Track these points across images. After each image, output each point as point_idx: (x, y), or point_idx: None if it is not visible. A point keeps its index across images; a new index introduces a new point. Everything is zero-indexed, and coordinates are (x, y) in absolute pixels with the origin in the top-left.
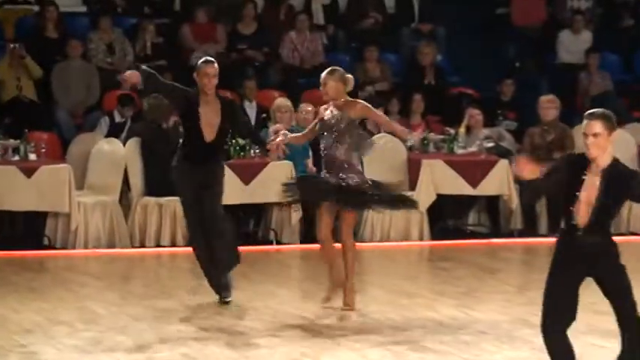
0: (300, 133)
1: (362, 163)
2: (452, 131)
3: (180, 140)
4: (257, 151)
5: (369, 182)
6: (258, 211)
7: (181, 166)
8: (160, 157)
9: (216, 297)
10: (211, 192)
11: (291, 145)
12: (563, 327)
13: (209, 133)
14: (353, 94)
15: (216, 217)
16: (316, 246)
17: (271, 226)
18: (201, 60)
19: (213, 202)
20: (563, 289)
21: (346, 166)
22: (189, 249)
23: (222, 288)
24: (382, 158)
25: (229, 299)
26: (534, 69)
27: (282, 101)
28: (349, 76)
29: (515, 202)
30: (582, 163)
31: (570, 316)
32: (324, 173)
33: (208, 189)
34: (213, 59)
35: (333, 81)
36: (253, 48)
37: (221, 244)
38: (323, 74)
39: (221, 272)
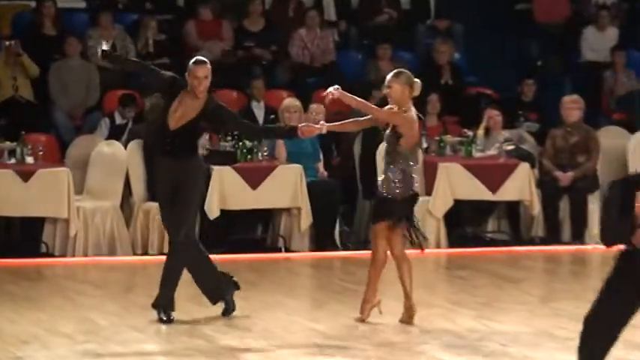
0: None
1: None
2: (470, 133)
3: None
4: (266, 153)
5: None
6: (266, 217)
7: (157, 160)
8: None
9: (221, 308)
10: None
11: (301, 147)
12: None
13: (173, 122)
14: (366, 94)
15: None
16: (327, 254)
17: (280, 233)
18: (192, 60)
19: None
20: (621, 308)
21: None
22: None
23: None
24: None
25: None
26: (557, 68)
27: (291, 101)
28: (417, 80)
29: (536, 208)
30: None
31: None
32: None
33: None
34: (204, 59)
35: (398, 84)
36: (261, 46)
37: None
38: (388, 76)
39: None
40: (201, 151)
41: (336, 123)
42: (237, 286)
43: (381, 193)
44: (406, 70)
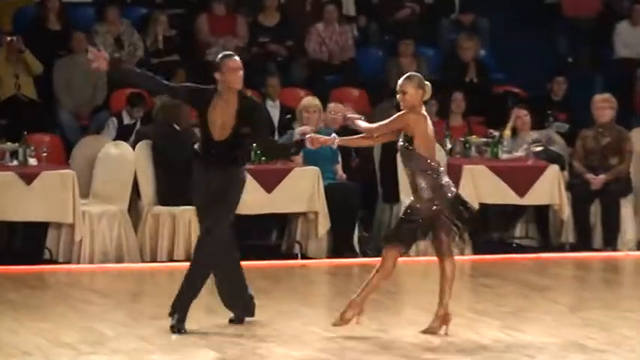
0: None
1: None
2: (496, 134)
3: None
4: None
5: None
6: (282, 222)
7: (199, 170)
8: (172, 163)
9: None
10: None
11: (318, 149)
12: None
13: (217, 133)
14: (388, 92)
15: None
16: (345, 260)
17: (296, 239)
18: (221, 55)
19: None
20: None
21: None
22: None
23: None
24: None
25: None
26: (588, 65)
27: (310, 100)
28: (428, 83)
29: (566, 213)
30: None
31: None
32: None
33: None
34: (232, 53)
35: (413, 88)
36: (276, 42)
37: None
38: (400, 81)
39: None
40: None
41: (351, 137)
42: (250, 313)
43: (413, 206)
44: (417, 73)
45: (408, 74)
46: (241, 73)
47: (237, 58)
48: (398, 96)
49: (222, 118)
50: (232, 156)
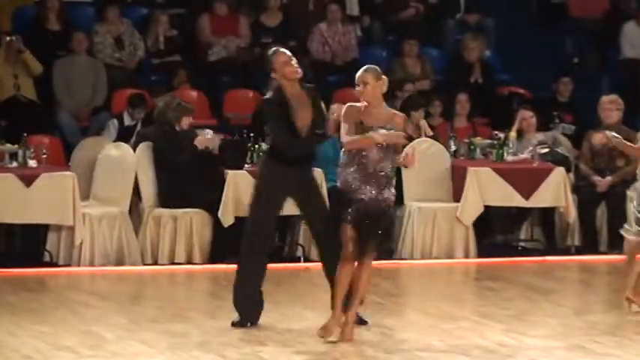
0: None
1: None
2: (501, 135)
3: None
4: None
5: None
6: (284, 225)
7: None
8: (173, 164)
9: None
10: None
11: (322, 151)
12: None
13: (305, 130)
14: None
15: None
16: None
17: (299, 241)
18: (270, 52)
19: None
20: None
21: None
22: (207, 267)
23: None
24: (423, 165)
25: None
26: (595, 65)
27: None
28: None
29: (572, 215)
30: None
31: None
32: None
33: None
34: (278, 47)
35: (372, 79)
36: (279, 42)
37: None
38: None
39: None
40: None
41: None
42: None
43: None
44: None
45: (366, 66)
46: (294, 61)
47: (284, 50)
48: (358, 88)
49: (301, 114)
50: (313, 151)
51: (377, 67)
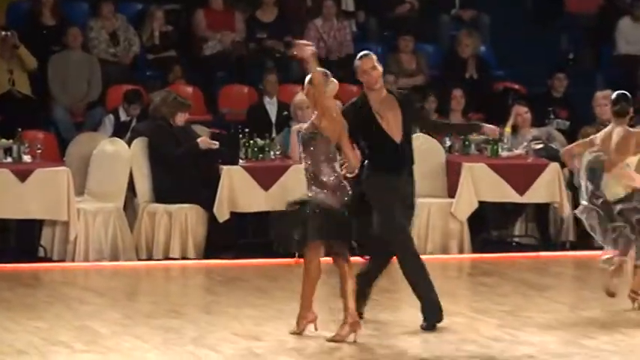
0: None
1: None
2: None
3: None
4: (278, 152)
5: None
6: None
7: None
8: (168, 160)
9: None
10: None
11: None
12: None
13: (397, 134)
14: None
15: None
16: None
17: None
18: (358, 56)
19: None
20: None
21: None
22: (202, 262)
23: None
24: (418, 161)
25: None
26: (589, 61)
27: (302, 97)
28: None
29: (567, 211)
30: None
31: None
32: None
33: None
34: (367, 52)
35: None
36: (274, 37)
37: None
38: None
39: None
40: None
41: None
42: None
43: None
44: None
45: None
46: (376, 72)
47: (370, 56)
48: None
49: (389, 118)
50: (412, 153)
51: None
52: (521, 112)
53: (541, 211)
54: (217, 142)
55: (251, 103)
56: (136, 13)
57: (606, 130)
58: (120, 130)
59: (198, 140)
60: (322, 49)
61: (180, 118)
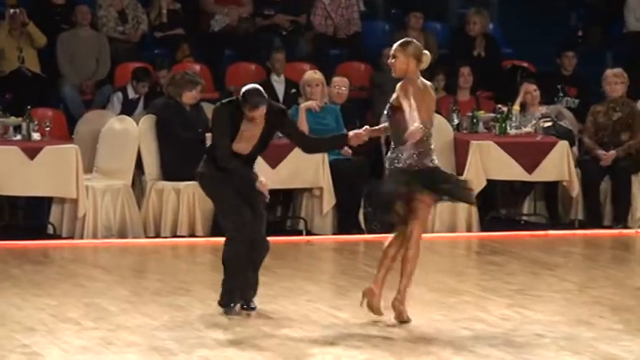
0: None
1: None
2: (504, 109)
3: None
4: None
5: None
6: (286, 198)
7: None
8: (177, 138)
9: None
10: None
11: (323, 123)
12: None
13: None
14: None
15: None
16: (351, 237)
17: (301, 215)
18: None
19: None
20: None
21: None
22: (210, 240)
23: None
24: None
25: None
26: (599, 39)
27: (311, 74)
28: (426, 52)
29: (575, 190)
30: None
31: None
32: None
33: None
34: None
35: (404, 55)
36: (282, 14)
37: None
38: (394, 45)
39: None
40: None
41: (379, 127)
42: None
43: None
44: (415, 41)
45: (404, 40)
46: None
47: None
48: (390, 60)
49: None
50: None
51: (414, 42)
52: (530, 89)
53: (550, 190)
54: None
55: (258, 80)
56: None
57: None
58: (128, 108)
59: (206, 135)
60: (330, 26)
61: (189, 97)
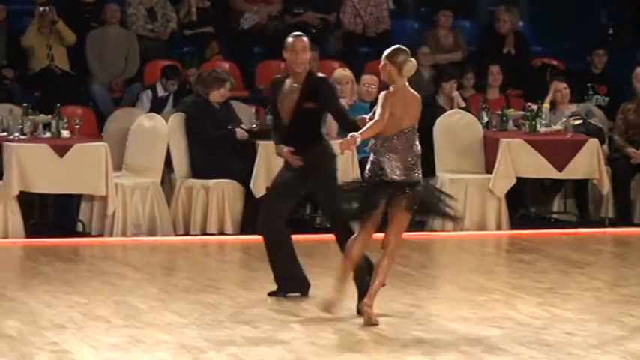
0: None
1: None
2: (534, 107)
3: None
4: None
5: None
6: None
7: None
8: (205, 135)
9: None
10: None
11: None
12: None
13: (285, 115)
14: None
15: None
16: (381, 235)
17: None
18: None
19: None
20: None
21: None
22: (239, 237)
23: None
24: (455, 136)
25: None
26: (629, 37)
27: (341, 72)
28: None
29: (606, 188)
30: None
31: None
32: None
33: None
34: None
35: (389, 63)
36: (311, 12)
37: None
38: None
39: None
40: (246, 127)
41: (365, 128)
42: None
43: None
44: (404, 50)
45: (394, 48)
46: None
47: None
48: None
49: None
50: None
51: (402, 49)
52: (559, 87)
53: (580, 188)
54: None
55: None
56: None
57: None
58: (157, 106)
59: (236, 129)
60: (359, 24)
61: (217, 95)
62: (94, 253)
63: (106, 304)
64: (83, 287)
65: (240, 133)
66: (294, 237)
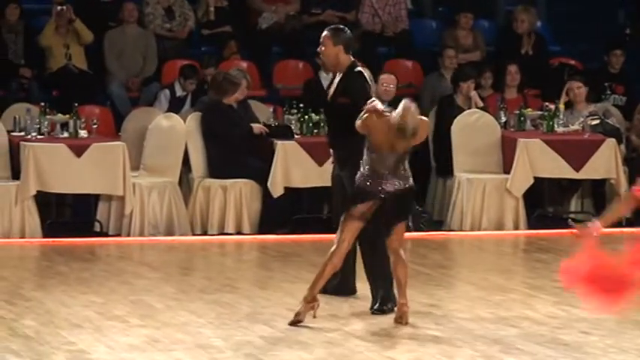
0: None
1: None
2: (552, 107)
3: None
4: None
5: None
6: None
7: None
8: (221, 136)
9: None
10: None
11: None
12: None
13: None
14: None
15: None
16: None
17: None
18: None
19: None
20: None
21: None
22: (256, 237)
23: None
24: (473, 136)
25: None
26: None
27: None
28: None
29: (623, 187)
30: None
31: None
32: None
33: None
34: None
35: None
36: (329, 11)
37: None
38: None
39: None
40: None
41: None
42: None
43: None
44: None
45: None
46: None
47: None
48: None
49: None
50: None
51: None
52: (573, 87)
53: (597, 188)
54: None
55: (306, 77)
56: None
57: None
58: (175, 105)
59: (253, 126)
60: (377, 24)
61: (233, 98)
62: (111, 253)
63: (123, 304)
64: (100, 287)
65: (258, 128)
66: (312, 237)
